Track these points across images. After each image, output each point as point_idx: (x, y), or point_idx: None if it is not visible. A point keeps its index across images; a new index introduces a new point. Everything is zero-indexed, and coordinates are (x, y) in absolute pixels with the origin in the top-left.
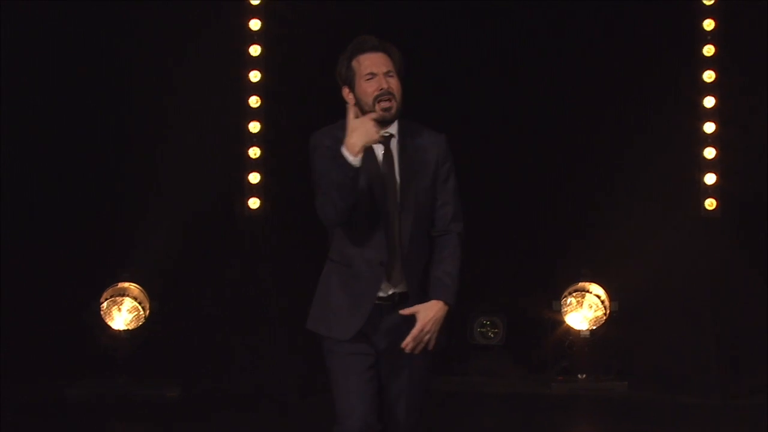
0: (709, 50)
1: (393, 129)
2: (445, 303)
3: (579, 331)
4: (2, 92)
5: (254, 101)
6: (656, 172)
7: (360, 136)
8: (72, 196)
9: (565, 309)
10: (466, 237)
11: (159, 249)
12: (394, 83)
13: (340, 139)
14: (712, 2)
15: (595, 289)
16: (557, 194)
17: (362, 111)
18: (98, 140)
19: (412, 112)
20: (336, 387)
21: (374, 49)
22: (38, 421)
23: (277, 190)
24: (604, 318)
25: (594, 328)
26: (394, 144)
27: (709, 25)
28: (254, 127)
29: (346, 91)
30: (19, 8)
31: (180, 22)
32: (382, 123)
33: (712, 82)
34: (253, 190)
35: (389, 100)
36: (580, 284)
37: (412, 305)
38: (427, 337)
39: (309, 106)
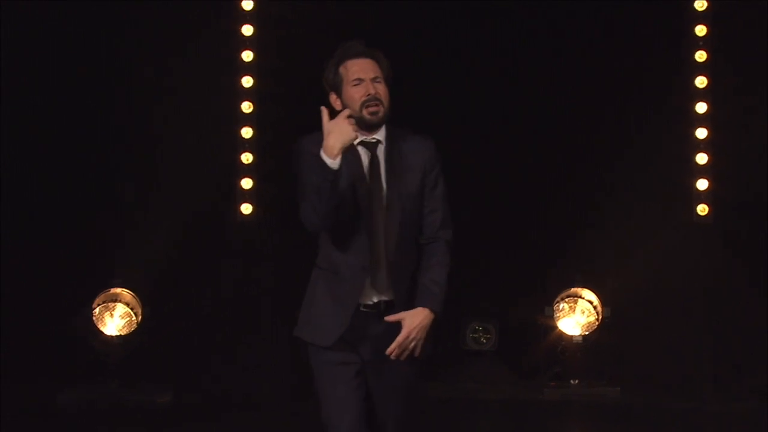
0: (701, 56)
1: (380, 135)
2: (432, 311)
3: (571, 336)
4: (2, 92)
5: (247, 107)
6: (648, 178)
7: (337, 138)
8: (69, 200)
9: (558, 314)
10: (459, 242)
11: (151, 255)
12: (381, 89)
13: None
14: (703, 8)
15: (588, 294)
16: (550, 200)
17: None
18: (90, 143)
19: (411, 111)
20: (324, 396)
21: (362, 54)
22: (30, 426)
23: (269, 195)
24: (597, 323)
25: (586, 333)
26: (381, 150)
27: (701, 30)
28: (247, 132)
29: (333, 97)
30: (19, 8)
31: (172, 28)
32: (369, 128)
33: (704, 88)
34: (246, 196)
35: (376, 105)
36: (573, 290)
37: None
38: (412, 344)
39: (302, 111)
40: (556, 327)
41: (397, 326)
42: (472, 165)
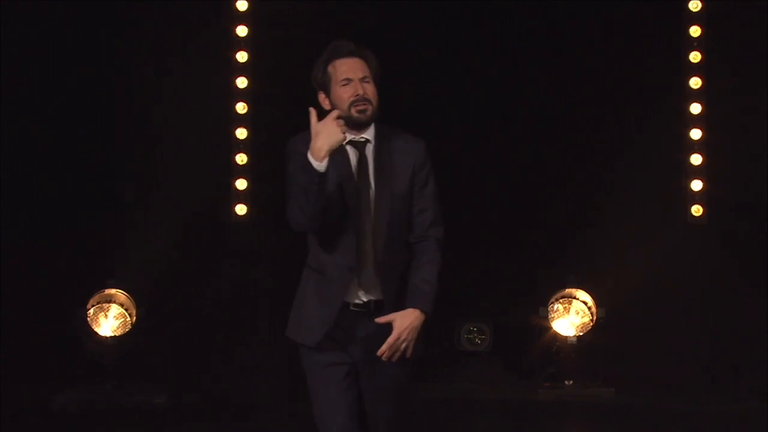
0: (695, 57)
1: (369, 134)
2: (422, 311)
3: (566, 337)
4: (2, 92)
5: (241, 107)
6: (643, 179)
7: (324, 140)
8: (69, 200)
9: (552, 315)
10: (456, 242)
11: (150, 255)
12: (369, 89)
13: None
14: (698, 9)
15: (582, 295)
16: (544, 201)
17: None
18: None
19: (411, 111)
20: (316, 397)
21: (351, 54)
22: (27, 427)
23: (264, 196)
24: (591, 324)
25: (581, 334)
26: (369, 149)
27: (695, 31)
28: (241, 133)
29: (321, 97)
30: (19, 8)
31: (166, 29)
32: (358, 127)
33: (698, 89)
34: (240, 197)
35: (365, 104)
36: (567, 290)
37: (387, 313)
38: (403, 345)
39: (296, 112)
40: (551, 328)
41: (388, 327)
42: (471, 165)
